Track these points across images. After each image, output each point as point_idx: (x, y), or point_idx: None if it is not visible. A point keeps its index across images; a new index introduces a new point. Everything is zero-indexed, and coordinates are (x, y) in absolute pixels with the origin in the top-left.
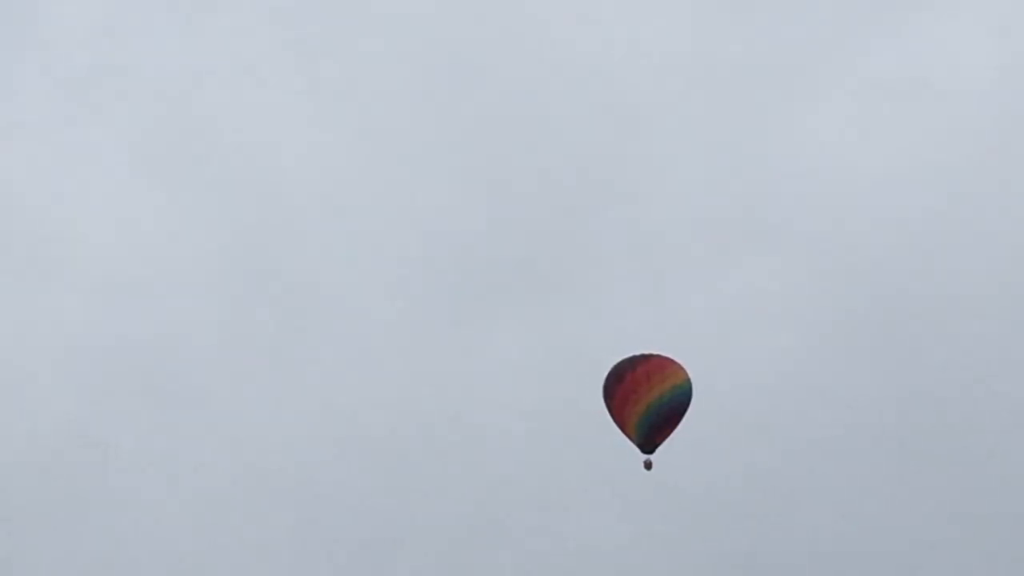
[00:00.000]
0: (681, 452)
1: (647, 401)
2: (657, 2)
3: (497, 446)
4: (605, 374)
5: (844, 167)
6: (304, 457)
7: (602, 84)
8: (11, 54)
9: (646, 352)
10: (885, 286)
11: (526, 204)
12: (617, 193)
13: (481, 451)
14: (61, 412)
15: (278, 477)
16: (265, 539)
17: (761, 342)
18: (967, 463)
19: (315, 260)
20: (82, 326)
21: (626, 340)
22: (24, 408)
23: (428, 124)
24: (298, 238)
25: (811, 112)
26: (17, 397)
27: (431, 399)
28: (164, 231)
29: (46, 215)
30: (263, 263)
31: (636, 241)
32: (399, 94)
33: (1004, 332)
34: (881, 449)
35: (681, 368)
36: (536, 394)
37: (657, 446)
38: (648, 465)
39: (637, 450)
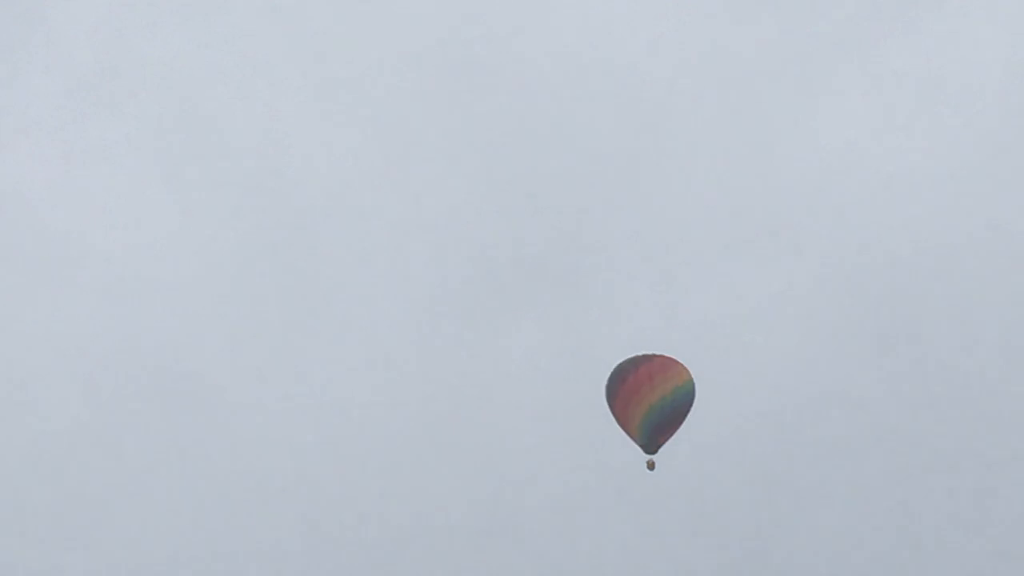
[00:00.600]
0: (690, 452)
1: (649, 402)
2: (674, 1)
3: (510, 446)
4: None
5: (858, 167)
6: (315, 457)
7: (617, 83)
8: (19, 53)
9: (650, 352)
10: (899, 286)
11: (541, 204)
12: (632, 193)
13: (494, 451)
14: (70, 412)
15: (289, 477)
16: (275, 539)
17: (773, 342)
18: (974, 465)
19: (328, 260)
20: (92, 326)
21: (640, 340)
22: (33, 408)
23: (442, 124)
24: (310, 238)
25: (826, 111)
26: (27, 397)
27: (445, 399)
28: (175, 232)
29: (55, 214)
30: (275, 263)
31: (650, 241)
32: (413, 93)
33: (1017, 332)
34: (889, 449)
35: (684, 369)
36: (550, 394)
37: (660, 446)
38: (651, 465)
39: (640, 450)
